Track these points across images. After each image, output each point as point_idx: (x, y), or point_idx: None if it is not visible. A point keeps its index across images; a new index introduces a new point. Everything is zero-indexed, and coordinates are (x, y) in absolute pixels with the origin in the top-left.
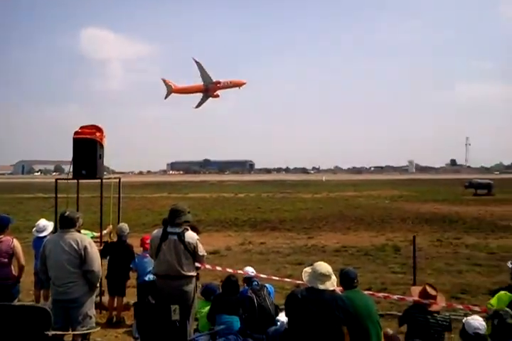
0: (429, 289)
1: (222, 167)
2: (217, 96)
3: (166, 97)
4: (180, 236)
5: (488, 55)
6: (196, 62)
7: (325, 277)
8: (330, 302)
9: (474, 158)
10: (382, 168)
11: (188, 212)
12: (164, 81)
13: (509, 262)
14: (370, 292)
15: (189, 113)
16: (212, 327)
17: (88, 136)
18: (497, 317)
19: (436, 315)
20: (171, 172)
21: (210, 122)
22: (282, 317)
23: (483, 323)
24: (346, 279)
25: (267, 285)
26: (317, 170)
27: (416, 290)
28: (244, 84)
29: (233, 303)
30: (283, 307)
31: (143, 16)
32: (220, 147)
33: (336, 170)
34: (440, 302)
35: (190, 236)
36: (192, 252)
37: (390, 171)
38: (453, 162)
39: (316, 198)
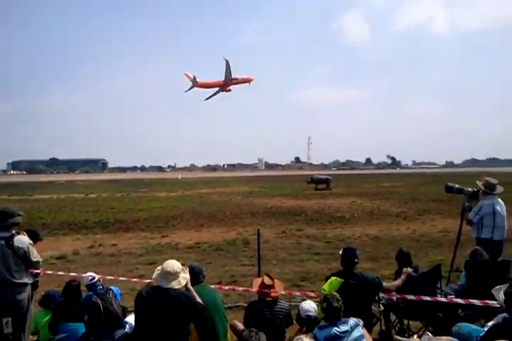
0: (265, 279)
1: (72, 166)
2: (230, 90)
3: (186, 91)
4: (9, 240)
5: (325, 62)
6: (226, 60)
7: (171, 275)
8: (175, 300)
9: (316, 156)
10: (234, 165)
11: (18, 215)
12: (187, 75)
13: (341, 250)
14: (219, 285)
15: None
16: (52, 337)
17: None
18: (325, 300)
19: (276, 305)
20: (12, 172)
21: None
22: (131, 319)
23: (314, 306)
24: (191, 275)
25: (112, 287)
26: (173, 168)
27: (257, 281)
28: (252, 80)
29: (76, 310)
30: (132, 308)
31: None
32: (69, 144)
33: (192, 168)
34: (279, 290)
35: (20, 240)
36: (23, 258)
37: (242, 168)
38: (297, 159)
39: (171, 196)
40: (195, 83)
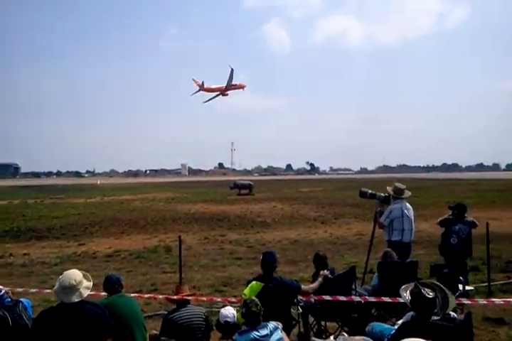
0: (181, 288)
1: None
2: (227, 95)
3: (192, 94)
4: None
5: (246, 69)
6: (231, 69)
7: (69, 289)
8: (87, 315)
9: (239, 161)
10: (156, 171)
11: None
12: (194, 81)
13: (260, 254)
14: (139, 294)
15: None
16: None
17: None
18: (244, 306)
19: (190, 311)
20: None
21: None
22: None
23: (233, 312)
24: (108, 285)
25: (22, 299)
26: (92, 173)
27: (180, 288)
28: (245, 86)
29: None
30: None
31: None
32: None
33: (112, 173)
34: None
35: None
36: None
37: (165, 174)
38: (221, 165)
39: (89, 203)
40: (201, 87)
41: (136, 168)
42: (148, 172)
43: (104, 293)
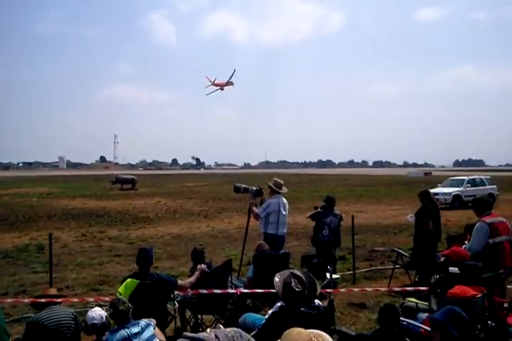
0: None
1: None
2: (223, 89)
3: (207, 86)
4: None
5: (130, 60)
6: (234, 69)
7: None
8: None
9: (123, 155)
10: (30, 163)
11: None
12: (207, 78)
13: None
14: (2, 297)
15: None
16: None
17: None
18: (112, 307)
19: (57, 313)
20: None
21: None
22: None
23: (101, 313)
24: None
25: None
26: None
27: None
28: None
29: None
30: None
31: None
32: None
33: None
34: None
35: None
36: None
37: (40, 167)
38: (102, 158)
39: None
40: (212, 83)
41: (7, 160)
42: (20, 165)
43: None
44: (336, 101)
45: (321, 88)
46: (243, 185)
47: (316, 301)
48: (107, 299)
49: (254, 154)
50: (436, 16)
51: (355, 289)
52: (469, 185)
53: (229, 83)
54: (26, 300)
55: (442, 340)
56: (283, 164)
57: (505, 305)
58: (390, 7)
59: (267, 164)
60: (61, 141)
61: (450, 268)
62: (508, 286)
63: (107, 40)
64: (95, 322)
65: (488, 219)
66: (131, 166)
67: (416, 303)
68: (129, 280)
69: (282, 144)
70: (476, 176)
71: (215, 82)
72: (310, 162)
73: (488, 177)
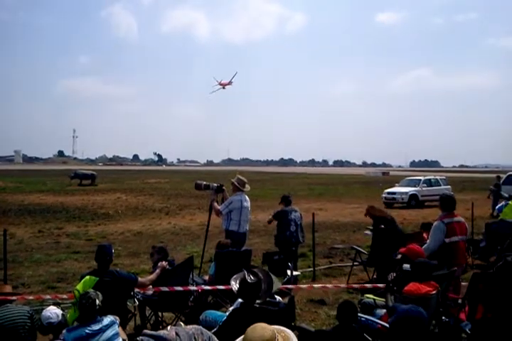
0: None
1: None
2: (225, 88)
3: (214, 86)
4: None
5: (88, 52)
6: (236, 72)
7: None
8: None
9: (82, 150)
10: None
11: None
12: (216, 80)
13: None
14: None
15: None
16: None
17: None
18: (80, 299)
19: (10, 310)
20: None
21: None
22: None
23: (56, 311)
24: None
25: None
26: None
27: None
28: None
29: None
30: None
31: None
32: None
33: None
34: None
35: None
36: None
37: None
38: (61, 153)
39: None
40: (219, 83)
41: None
42: None
43: None
44: (298, 100)
45: (284, 87)
46: (204, 182)
47: (277, 298)
48: (65, 296)
49: (217, 152)
50: (395, 19)
51: (316, 285)
52: (425, 185)
53: (230, 83)
54: None
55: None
56: (246, 162)
57: (459, 301)
58: (352, 10)
59: (229, 162)
60: (17, 134)
61: (404, 265)
62: (462, 283)
63: (66, 30)
64: (51, 321)
65: (446, 219)
66: (90, 161)
67: (374, 300)
68: (87, 277)
69: (245, 142)
70: (431, 176)
71: (221, 82)
72: (272, 160)
73: (443, 177)
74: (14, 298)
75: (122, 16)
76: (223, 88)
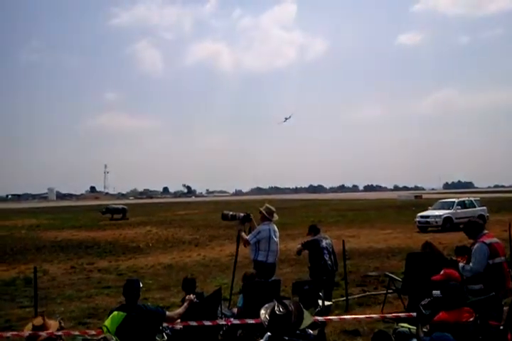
0: (35, 321)
1: None
2: (286, 121)
3: (283, 121)
4: None
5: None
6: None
7: None
8: None
9: (113, 185)
10: (20, 195)
11: None
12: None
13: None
14: None
15: None
16: None
17: None
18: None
19: None
20: None
21: None
22: None
23: None
24: None
25: None
26: None
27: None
28: None
29: None
30: None
31: None
32: None
33: None
34: (53, 330)
35: None
36: None
37: (29, 199)
38: (92, 189)
39: None
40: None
41: None
42: (9, 197)
43: None
44: (323, 125)
45: (308, 112)
46: (231, 212)
47: (308, 330)
48: (93, 332)
49: (246, 181)
50: (417, 40)
51: (347, 317)
52: (459, 207)
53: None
54: (9, 334)
55: None
56: (274, 190)
57: (501, 327)
58: (371, 33)
59: (258, 190)
60: (50, 172)
61: (433, 291)
62: (504, 308)
63: (92, 69)
64: None
65: (487, 240)
66: (121, 195)
67: (409, 328)
68: (115, 312)
69: (273, 169)
70: (465, 198)
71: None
72: (301, 187)
73: (478, 198)
74: (43, 333)
75: (147, 52)
76: (284, 121)
